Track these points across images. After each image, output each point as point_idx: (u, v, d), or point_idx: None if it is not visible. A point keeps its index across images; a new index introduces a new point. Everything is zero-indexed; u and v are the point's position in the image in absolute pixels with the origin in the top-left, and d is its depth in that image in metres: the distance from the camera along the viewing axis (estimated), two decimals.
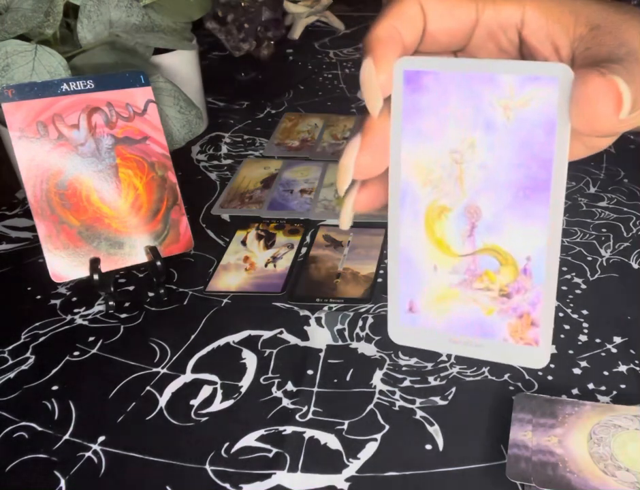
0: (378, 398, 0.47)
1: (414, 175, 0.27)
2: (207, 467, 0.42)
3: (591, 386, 0.47)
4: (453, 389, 0.47)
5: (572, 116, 0.24)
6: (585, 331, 0.52)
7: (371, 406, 0.46)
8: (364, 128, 0.28)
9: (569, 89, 0.24)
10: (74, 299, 0.57)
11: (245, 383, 0.48)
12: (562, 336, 0.51)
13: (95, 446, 0.44)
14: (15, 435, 0.45)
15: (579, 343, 0.51)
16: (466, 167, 0.26)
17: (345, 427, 0.45)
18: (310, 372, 0.49)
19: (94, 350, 0.52)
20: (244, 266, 0.61)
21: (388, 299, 0.29)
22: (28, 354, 0.52)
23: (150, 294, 0.57)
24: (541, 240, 0.26)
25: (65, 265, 0.55)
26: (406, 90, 0.27)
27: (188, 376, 0.49)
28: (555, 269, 0.26)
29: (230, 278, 0.59)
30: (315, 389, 0.48)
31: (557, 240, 0.26)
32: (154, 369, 0.50)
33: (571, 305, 0.54)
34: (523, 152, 0.25)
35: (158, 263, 0.56)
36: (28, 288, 0.59)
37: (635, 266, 0.59)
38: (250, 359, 0.51)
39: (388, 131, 0.28)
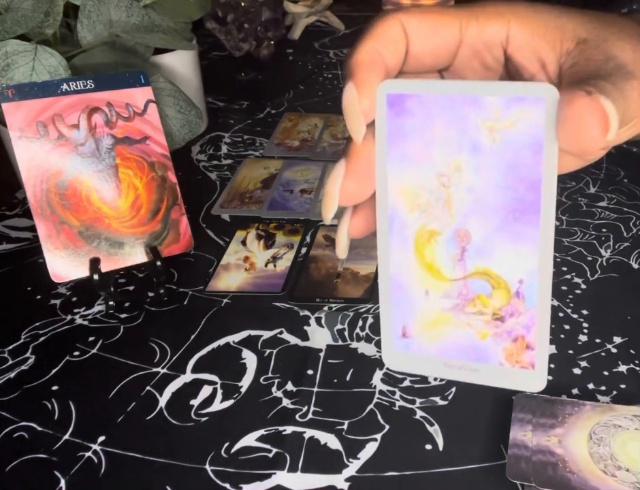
0: (378, 398, 0.47)
1: (401, 200, 0.27)
2: (207, 467, 0.42)
3: (591, 386, 0.47)
4: (453, 389, 0.47)
5: (559, 137, 0.24)
6: (585, 331, 0.52)
7: (371, 406, 0.46)
8: (348, 154, 0.28)
9: (555, 109, 0.24)
10: (74, 299, 0.57)
11: (245, 383, 0.48)
12: (562, 336, 0.51)
13: (95, 446, 0.44)
14: (15, 435, 0.45)
15: (579, 343, 0.51)
16: (454, 190, 0.26)
17: (345, 427, 0.45)
18: (310, 372, 0.49)
19: (94, 350, 0.52)
20: (244, 266, 0.61)
21: (381, 325, 0.29)
22: (28, 354, 0.52)
23: (150, 294, 0.57)
24: (533, 262, 0.26)
25: (65, 265, 0.55)
26: (389, 114, 0.26)
27: (188, 376, 0.49)
28: (549, 290, 0.26)
29: (230, 278, 0.59)
30: (315, 389, 0.48)
31: (549, 262, 0.25)
32: (154, 369, 0.50)
33: (571, 305, 0.54)
34: (510, 174, 0.25)
35: (158, 263, 0.56)
36: (28, 288, 0.59)
37: (635, 266, 0.59)
38: (250, 359, 0.51)
39: (373, 156, 0.27)
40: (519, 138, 0.25)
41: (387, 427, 0.45)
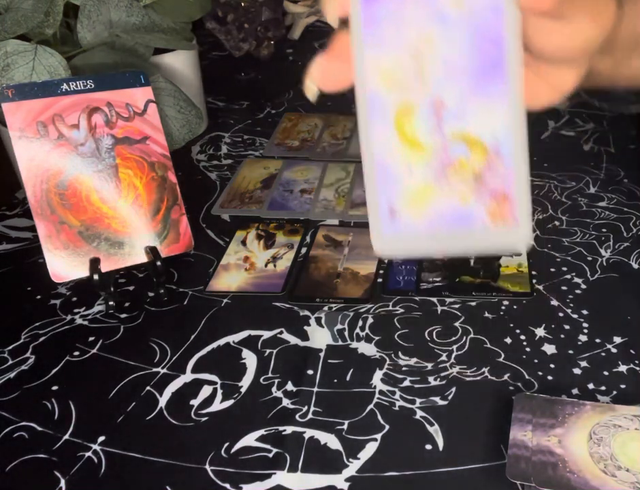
0: (378, 398, 0.47)
1: (379, 81, 0.29)
2: (207, 467, 0.42)
3: (591, 386, 0.47)
4: (453, 389, 0.47)
5: None
6: (585, 331, 0.52)
7: (371, 406, 0.46)
8: (331, 41, 0.29)
9: None
10: (74, 299, 0.57)
11: (245, 383, 0.48)
12: (562, 336, 0.51)
13: (95, 446, 0.44)
14: (15, 435, 0.45)
15: (579, 343, 0.51)
16: (427, 62, 0.28)
17: (345, 427, 0.45)
18: (310, 372, 0.49)
19: (94, 350, 0.52)
20: (244, 266, 0.61)
21: (368, 209, 0.30)
22: (28, 354, 0.52)
23: (150, 294, 0.57)
24: (506, 118, 0.27)
25: (65, 265, 0.55)
26: (364, 2, 0.28)
27: (188, 376, 0.49)
28: (524, 143, 0.27)
29: (230, 278, 0.59)
30: (315, 389, 0.48)
31: (521, 116, 0.27)
32: (154, 369, 0.50)
33: (571, 305, 0.54)
34: (477, 37, 0.27)
35: (158, 263, 0.56)
36: (28, 288, 0.59)
37: (635, 266, 0.59)
38: (250, 359, 0.51)
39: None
40: (482, 2, 0.27)
41: (387, 427, 0.45)
